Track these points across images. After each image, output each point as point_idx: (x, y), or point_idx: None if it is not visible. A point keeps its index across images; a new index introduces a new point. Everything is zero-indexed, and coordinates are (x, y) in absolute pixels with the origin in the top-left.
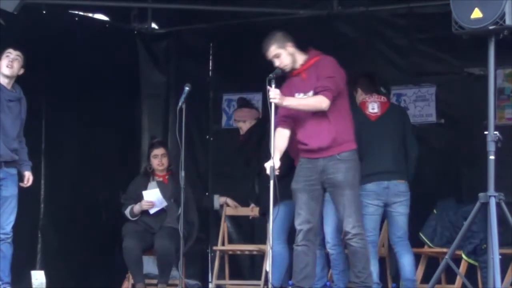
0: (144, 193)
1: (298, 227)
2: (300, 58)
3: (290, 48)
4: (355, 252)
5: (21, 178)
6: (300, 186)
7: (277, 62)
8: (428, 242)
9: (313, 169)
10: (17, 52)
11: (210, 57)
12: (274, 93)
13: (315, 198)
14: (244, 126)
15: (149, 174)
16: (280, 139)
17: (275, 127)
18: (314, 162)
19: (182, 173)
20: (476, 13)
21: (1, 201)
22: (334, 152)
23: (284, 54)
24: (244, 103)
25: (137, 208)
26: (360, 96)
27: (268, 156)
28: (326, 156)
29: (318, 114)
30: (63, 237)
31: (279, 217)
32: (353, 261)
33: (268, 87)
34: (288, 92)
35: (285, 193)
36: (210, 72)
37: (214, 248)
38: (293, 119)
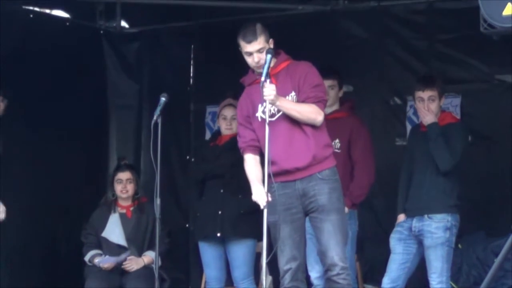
0: (100, 260)
1: (284, 267)
2: (272, 60)
3: (272, 45)
4: None
5: None
6: (280, 217)
7: (255, 59)
8: (452, 283)
9: (291, 194)
10: None
11: (191, 62)
12: (269, 89)
13: (298, 229)
14: (235, 126)
15: (111, 204)
16: (255, 167)
17: (243, 153)
18: (291, 186)
19: (158, 201)
20: (509, 9)
21: None
22: (314, 171)
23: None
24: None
25: (96, 261)
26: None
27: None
28: (304, 177)
29: (292, 126)
30: (15, 277)
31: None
32: None
33: (264, 82)
34: (250, 104)
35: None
36: (191, 80)
37: None
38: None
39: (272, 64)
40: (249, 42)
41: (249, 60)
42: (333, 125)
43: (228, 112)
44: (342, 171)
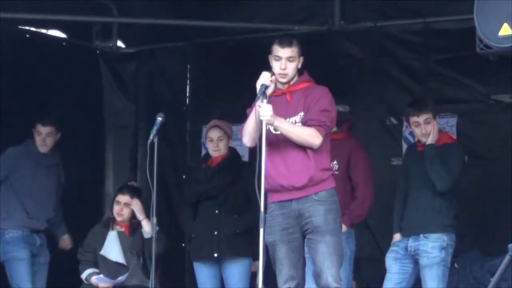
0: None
1: (283, 287)
2: (294, 78)
3: (301, 62)
4: None
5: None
6: (277, 237)
7: (282, 66)
8: None
9: (288, 214)
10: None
11: (188, 82)
12: (266, 109)
13: (296, 249)
14: (222, 147)
15: (109, 222)
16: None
17: None
18: (287, 206)
19: (154, 220)
20: (505, 30)
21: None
22: (310, 192)
23: (295, 64)
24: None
25: (94, 281)
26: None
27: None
28: (300, 197)
29: (295, 145)
30: None
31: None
32: None
33: (259, 101)
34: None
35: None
36: (188, 99)
37: None
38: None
39: (292, 82)
40: (283, 47)
41: (276, 66)
42: (331, 147)
43: (214, 134)
44: (341, 192)
